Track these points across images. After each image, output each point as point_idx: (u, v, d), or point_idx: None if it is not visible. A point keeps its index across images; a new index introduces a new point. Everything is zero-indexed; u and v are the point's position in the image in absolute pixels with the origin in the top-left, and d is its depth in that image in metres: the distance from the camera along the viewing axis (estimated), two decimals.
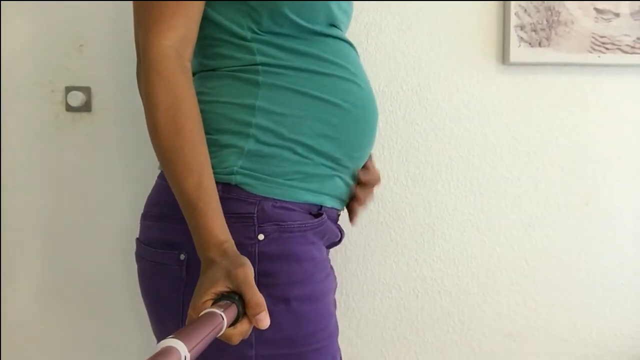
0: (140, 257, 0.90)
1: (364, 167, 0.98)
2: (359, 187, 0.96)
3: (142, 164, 1.25)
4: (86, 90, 1.24)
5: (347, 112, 0.88)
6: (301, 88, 0.85)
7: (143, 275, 0.90)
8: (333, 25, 0.90)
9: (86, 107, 1.24)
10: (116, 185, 1.26)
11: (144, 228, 0.89)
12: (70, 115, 1.25)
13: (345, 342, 1.29)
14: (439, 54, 1.27)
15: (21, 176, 1.24)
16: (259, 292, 0.68)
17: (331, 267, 0.97)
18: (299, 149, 0.84)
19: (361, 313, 1.30)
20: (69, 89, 1.23)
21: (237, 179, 0.82)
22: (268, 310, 0.68)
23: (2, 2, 1.21)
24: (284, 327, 0.70)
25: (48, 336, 1.27)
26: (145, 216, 0.89)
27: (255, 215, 0.81)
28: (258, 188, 0.82)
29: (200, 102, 0.84)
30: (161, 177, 0.88)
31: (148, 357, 0.48)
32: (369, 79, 0.96)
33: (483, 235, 1.30)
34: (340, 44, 0.91)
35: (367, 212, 1.28)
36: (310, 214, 0.87)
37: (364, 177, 0.95)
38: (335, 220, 0.95)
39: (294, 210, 0.84)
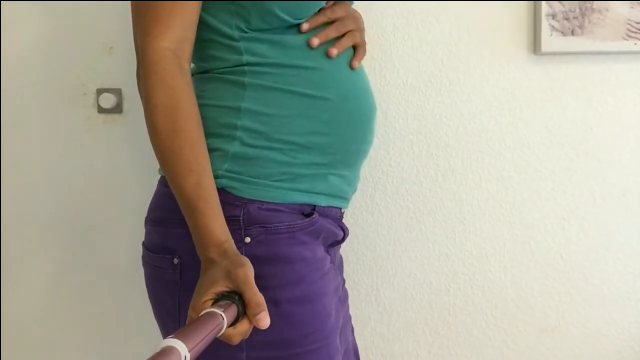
0: (144, 261, 0.92)
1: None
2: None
3: None
4: (117, 92, 1.26)
5: (338, 105, 0.87)
6: (288, 86, 0.84)
7: (146, 279, 0.92)
8: None
9: (117, 108, 1.26)
10: (149, 186, 1.27)
11: (146, 232, 0.92)
12: (102, 117, 1.27)
13: (377, 337, 1.29)
14: (468, 46, 1.25)
15: (53, 179, 1.27)
16: (259, 292, 0.69)
17: (334, 266, 0.95)
18: (288, 149, 0.84)
19: (392, 308, 1.29)
20: (100, 91, 1.25)
21: (222, 182, 0.82)
22: None
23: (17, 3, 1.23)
24: (274, 330, 0.70)
25: (53, 335, 1.31)
26: (146, 221, 0.92)
27: (241, 218, 0.82)
28: (244, 191, 0.83)
29: None
30: (160, 181, 0.91)
31: (148, 357, 0.49)
32: (364, 68, 0.95)
33: (516, 229, 1.28)
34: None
35: (397, 207, 1.28)
36: (303, 214, 0.86)
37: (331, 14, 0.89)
38: (336, 218, 0.94)
39: (282, 211, 0.84)
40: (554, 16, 1.20)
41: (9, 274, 1.29)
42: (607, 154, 1.27)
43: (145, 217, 0.91)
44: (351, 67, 0.91)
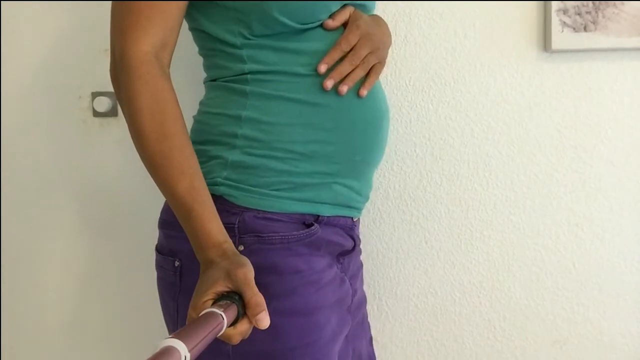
0: (155, 262, 0.93)
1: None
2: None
3: None
4: (112, 95, 1.23)
5: (342, 114, 0.84)
6: (291, 94, 0.83)
7: (157, 281, 0.93)
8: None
9: (113, 112, 1.24)
10: (146, 189, 1.25)
11: (158, 235, 0.93)
12: (97, 121, 1.25)
13: (379, 348, 1.24)
14: (474, 44, 1.19)
15: (51, 183, 1.26)
16: (259, 292, 0.68)
17: (345, 276, 0.92)
18: (289, 157, 0.83)
19: (395, 318, 1.25)
20: (95, 95, 1.23)
21: (220, 189, 0.82)
22: None
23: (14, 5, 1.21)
24: (258, 341, 0.70)
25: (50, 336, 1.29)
26: (158, 223, 0.92)
27: (236, 226, 0.81)
28: (240, 199, 0.82)
29: (198, 112, 0.89)
30: None
31: (149, 357, 0.48)
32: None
33: (526, 236, 1.22)
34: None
35: (400, 213, 1.23)
36: (304, 224, 0.85)
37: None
38: (346, 227, 0.91)
39: (279, 220, 0.83)
40: (565, 11, 1.13)
41: (18, 277, 1.28)
42: (623, 157, 1.19)
43: (158, 219, 0.92)
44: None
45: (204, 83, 0.93)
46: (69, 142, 1.25)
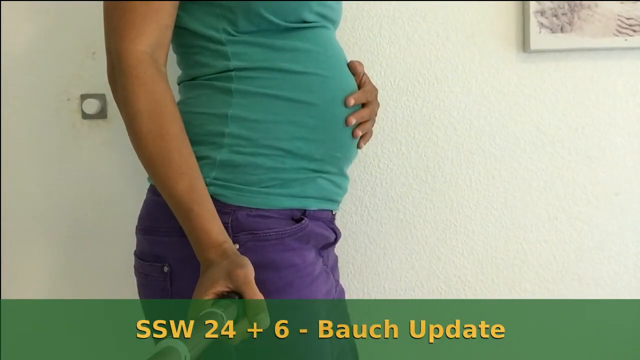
0: (135, 269, 0.92)
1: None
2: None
3: None
4: (101, 97, 1.24)
5: (324, 112, 0.86)
6: (275, 91, 0.84)
7: (138, 288, 0.92)
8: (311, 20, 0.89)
9: (102, 114, 1.24)
10: (136, 192, 1.26)
11: (137, 241, 0.92)
12: (86, 123, 1.25)
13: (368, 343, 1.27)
14: (456, 45, 1.23)
15: (41, 186, 1.26)
16: (259, 293, 0.69)
17: (327, 268, 0.95)
18: (276, 155, 0.84)
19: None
20: (84, 97, 1.24)
21: (210, 190, 0.81)
22: None
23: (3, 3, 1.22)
24: (259, 337, 0.71)
25: (50, 337, 1.29)
26: (136, 230, 0.91)
27: (229, 225, 0.81)
28: (232, 198, 0.82)
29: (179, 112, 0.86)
30: (150, 190, 0.90)
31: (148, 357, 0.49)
32: (350, 72, 0.94)
33: (508, 230, 1.26)
34: (319, 31, 0.89)
35: (387, 210, 1.26)
36: (293, 219, 0.86)
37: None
38: (328, 221, 0.93)
39: (271, 217, 0.84)
40: (542, 13, 1.18)
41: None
42: (599, 152, 1.25)
43: (136, 226, 0.91)
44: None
45: (178, 83, 0.93)
46: (58, 144, 1.25)
